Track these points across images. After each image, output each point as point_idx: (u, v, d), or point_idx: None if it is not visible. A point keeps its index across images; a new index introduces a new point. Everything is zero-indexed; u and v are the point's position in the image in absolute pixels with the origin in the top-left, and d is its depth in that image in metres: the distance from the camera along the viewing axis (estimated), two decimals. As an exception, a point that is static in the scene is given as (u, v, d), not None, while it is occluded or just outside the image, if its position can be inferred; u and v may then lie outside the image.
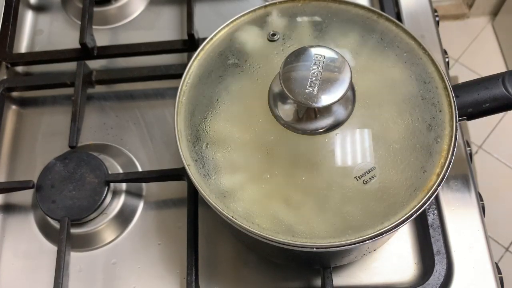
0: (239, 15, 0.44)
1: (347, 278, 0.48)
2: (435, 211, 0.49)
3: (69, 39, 0.63)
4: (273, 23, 0.43)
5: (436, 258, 0.47)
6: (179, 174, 0.51)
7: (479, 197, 0.50)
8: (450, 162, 0.36)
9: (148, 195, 0.53)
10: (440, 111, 0.39)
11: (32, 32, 0.65)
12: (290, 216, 0.36)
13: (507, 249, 1.22)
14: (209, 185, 0.38)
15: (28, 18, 0.66)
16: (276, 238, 0.35)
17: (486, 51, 1.50)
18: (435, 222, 0.48)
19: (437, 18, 0.60)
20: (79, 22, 0.60)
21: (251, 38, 0.43)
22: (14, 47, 0.62)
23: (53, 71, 0.61)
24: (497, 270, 0.47)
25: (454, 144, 0.37)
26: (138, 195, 0.53)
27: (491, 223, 0.52)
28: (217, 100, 0.41)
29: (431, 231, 0.48)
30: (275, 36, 0.42)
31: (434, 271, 0.47)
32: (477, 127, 1.34)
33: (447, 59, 0.58)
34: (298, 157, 0.38)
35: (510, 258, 1.21)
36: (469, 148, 0.52)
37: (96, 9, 0.63)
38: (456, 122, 0.38)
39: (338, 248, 0.35)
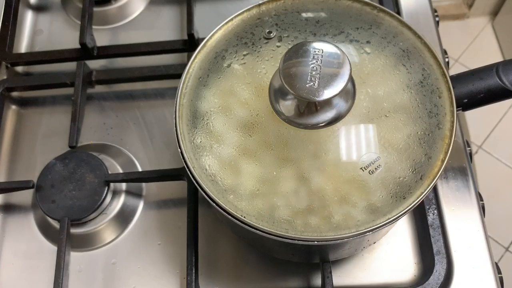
0: (233, 15, 0.44)
1: (347, 278, 0.48)
2: (435, 211, 0.49)
3: (69, 39, 0.63)
4: (268, 20, 0.44)
5: (436, 258, 0.47)
6: (179, 174, 0.51)
7: (479, 197, 0.50)
8: (450, 146, 0.37)
9: (148, 195, 0.53)
10: (440, 97, 0.39)
11: (32, 32, 0.65)
12: (296, 211, 0.36)
13: (507, 249, 1.23)
14: (214, 186, 0.38)
15: (28, 18, 0.66)
16: (285, 234, 0.35)
17: (486, 51, 1.50)
18: (435, 222, 0.48)
19: (437, 18, 0.60)
20: (79, 22, 0.60)
21: (247, 37, 0.43)
22: (14, 47, 0.62)
23: (53, 71, 0.61)
24: (497, 270, 0.47)
25: (455, 129, 0.38)
26: (138, 195, 0.53)
27: (491, 223, 0.52)
28: (217, 101, 0.41)
29: (431, 231, 0.48)
30: (271, 34, 0.43)
31: (434, 271, 0.47)
32: (477, 127, 1.34)
33: (447, 59, 0.58)
34: (302, 152, 0.38)
35: (510, 258, 1.21)
36: (469, 148, 0.52)
37: (96, 9, 0.63)
38: (454, 107, 0.38)
39: (345, 240, 0.35)
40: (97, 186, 0.51)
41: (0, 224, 0.53)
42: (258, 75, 0.41)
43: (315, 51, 0.37)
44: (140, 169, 0.55)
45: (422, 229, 0.49)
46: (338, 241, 0.35)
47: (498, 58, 1.41)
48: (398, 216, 0.36)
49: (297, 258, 0.47)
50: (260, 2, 0.44)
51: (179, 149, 0.39)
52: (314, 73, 0.36)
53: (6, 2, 0.63)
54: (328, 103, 0.37)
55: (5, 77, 0.61)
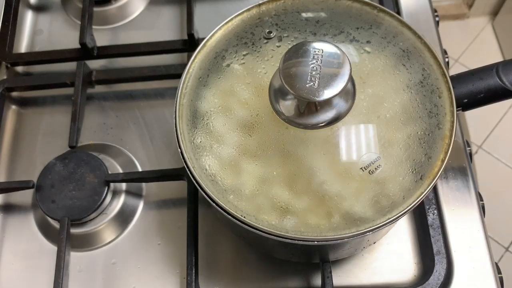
0: (233, 15, 0.44)
1: (347, 278, 0.48)
2: (435, 211, 0.49)
3: (69, 39, 0.63)
4: (268, 20, 0.44)
5: (436, 258, 0.47)
6: (179, 174, 0.51)
7: (479, 197, 0.50)
8: (450, 146, 0.37)
9: (148, 195, 0.53)
10: (440, 97, 0.39)
11: (32, 32, 0.65)
12: (296, 211, 0.37)
13: (507, 249, 1.23)
14: (214, 186, 0.38)
15: (28, 18, 0.66)
16: (285, 234, 0.35)
17: (486, 51, 1.50)
18: (435, 222, 0.48)
19: (437, 18, 0.60)
20: (79, 22, 0.60)
21: (247, 37, 0.43)
22: (14, 47, 0.62)
23: (53, 71, 0.61)
24: (497, 270, 0.47)
25: (455, 129, 0.38)
26: (138, 195, 0.53)
27: (491, 223, 0.52)
28: (217, 101, 0.41)
29: (431, 231, 0.48)
30: (271, 34, 0.43)
31: (434, 271, 0.47)
32: (477, 127, 1.34)
33: (447, 59, 0.58)
34: (302, 152, 0.38)
35: (510, 258, 1.21)
36: (469, 148, 0.52)
37: (96, 9, 0.63)
38: (454, 107, 0.38)
39: (345, 240, 0.35)
40: (97, 186, 0.51)
41: (0, 224, 0.53)
42: (258, 75, 0.41)
43: (315, 51, 0.37)
44: (140, 169, 0.55)
45: (422, 229, 0.49)
46: (338, 241, 0.36)
47: (498, 58, 1.40)
48: (398, 216, 0.36)
49: (297, 258, 0.47)
50: (260, 2, 0.44)
51: (179, 149, 0.39)
52: (314, 73, 0.36)
53: (6, 2, 0.63)
54: (328, 103, 0.37)
55: (5, 77, 0.61)
